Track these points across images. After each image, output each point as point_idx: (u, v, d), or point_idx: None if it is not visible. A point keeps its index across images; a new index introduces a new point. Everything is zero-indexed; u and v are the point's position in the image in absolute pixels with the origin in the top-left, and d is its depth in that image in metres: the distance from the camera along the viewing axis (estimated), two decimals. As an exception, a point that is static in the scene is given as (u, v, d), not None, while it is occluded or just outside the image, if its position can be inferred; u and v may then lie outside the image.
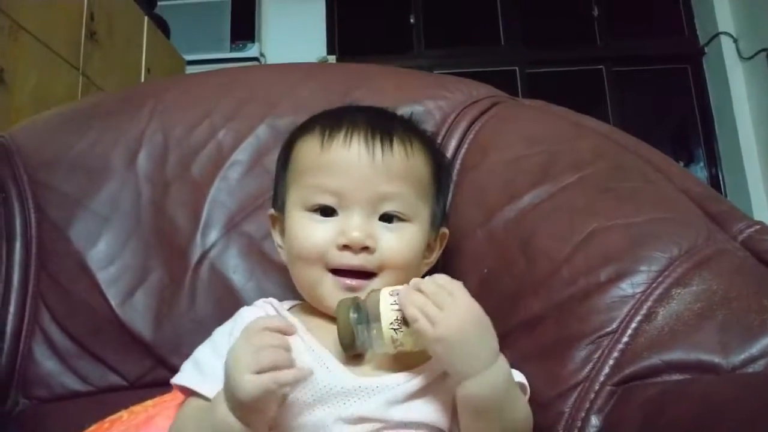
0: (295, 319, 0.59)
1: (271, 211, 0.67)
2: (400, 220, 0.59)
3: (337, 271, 0.58)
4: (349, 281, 0.58)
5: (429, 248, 0.64)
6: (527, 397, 0.56)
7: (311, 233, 0.58)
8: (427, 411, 0.54)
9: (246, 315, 0.61)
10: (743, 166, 3.06)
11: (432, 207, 0.63)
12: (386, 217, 0.59)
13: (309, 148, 0.61)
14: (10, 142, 0.85)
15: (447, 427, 0.55)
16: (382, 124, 0.61)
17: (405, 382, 0.54)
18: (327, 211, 0.59)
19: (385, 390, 0.53)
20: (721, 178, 3.26)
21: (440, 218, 0.66)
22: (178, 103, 0.86)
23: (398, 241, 0.58)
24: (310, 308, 0.62)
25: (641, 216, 0.60)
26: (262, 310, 0.61)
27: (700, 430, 0.36)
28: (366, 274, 0.58)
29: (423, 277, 0.55)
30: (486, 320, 0.51)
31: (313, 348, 0.56)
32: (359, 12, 3.63)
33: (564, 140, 0.72)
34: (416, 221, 0.60)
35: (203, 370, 0.57)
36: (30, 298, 0.77)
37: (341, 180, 0.58)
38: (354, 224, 0.57)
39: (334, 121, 0.61)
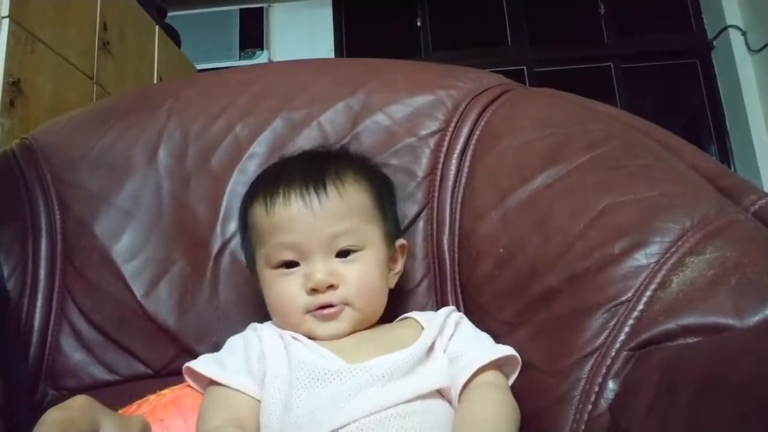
0: (287, 331, 0.64)
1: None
2: (355, 251, 0.64)
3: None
4: (326, 311, 0.63)
5: (393, 260, 0.70)
6: (518, 368, 0.60)
7: (282, 287, 0.64)
8: (423, 380, 0.58)
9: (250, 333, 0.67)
10: (756, 160, 3.04)
11: (381, 227, 0.68)
12: (342, 253, 0.64)
13: (258, 214, 0.67)
14: (33, 143, 0.87)
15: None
16: (315, 172, 0.66)
17: (398, 360, 0.58)
18: (290, 264, 0.64)
19: (376, 368, 0.57)
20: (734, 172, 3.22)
21: (395, 232, 0.71)
22: (195, 100, 0.88)
23: (358, 271, 0.64)
24: None
25: (653, 191, 0.60)
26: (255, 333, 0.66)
27: (717, 374, 0.37)
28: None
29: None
30: None
31: (307, 344, 0.62)
32: (366, 17, 3.65)
33: (575, 123, 0.73)
34: (370, 247, 0.65)
35: (224, 364, 0.63)
36: (56, 292, 0.79)
37: (292, 236, 0.63)
38: (316, 268, 0.63)
39: (272, 182, 0.66)
